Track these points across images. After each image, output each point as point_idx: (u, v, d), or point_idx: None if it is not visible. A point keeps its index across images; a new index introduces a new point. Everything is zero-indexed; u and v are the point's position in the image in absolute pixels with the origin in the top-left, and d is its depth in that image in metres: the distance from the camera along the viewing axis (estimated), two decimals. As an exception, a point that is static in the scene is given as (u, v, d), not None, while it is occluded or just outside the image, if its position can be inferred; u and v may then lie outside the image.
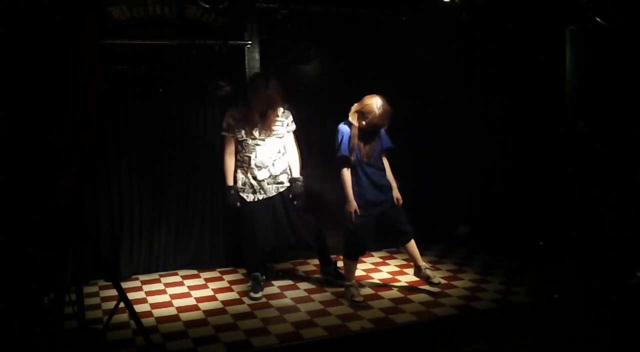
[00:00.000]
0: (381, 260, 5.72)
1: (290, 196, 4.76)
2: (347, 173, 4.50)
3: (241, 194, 4.74)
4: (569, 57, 4.62)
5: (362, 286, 4.94)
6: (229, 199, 4.74)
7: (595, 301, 4.21)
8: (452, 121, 6.03)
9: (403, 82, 5.70)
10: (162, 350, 3.74)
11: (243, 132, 4.65)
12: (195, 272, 5.40)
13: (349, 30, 5.37)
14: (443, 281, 4.85)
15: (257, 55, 5.28)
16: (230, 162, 4.73)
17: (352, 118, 4.51)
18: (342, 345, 3.99)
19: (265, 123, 4.62)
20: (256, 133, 4.65)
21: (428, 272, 4.76)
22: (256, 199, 4.72)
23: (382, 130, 4.58)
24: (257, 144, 4.68)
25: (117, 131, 5.08)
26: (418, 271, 4.82)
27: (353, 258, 4.67)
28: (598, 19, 4.48)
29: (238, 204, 4.72)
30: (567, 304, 4.35)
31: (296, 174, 4.81)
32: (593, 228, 4.64)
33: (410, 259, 4.87)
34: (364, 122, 4.45)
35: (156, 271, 5.36)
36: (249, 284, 4.83)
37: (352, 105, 4.57)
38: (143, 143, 5.17)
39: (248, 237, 4.80)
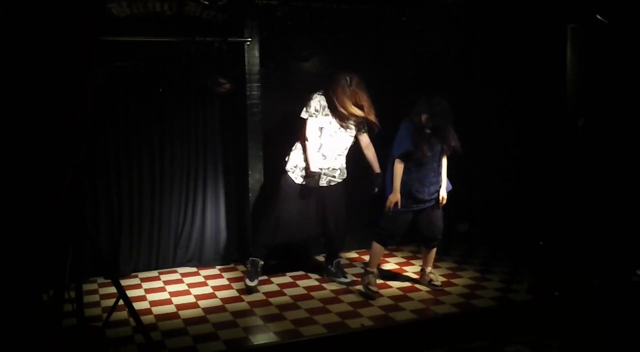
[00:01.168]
0: (382, 258, 5.70)
1: (376, 189, 4.77)
2: (399, 165, 4.52)
3: (290, 174, 4.74)
4: (570, 54, 4.61)
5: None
6: (309, 183, 4.66)
7: (595, 298, 4.20)
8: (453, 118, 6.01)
9: (404, 79, 5.69)
10: (161, 347, 3.74)
11: (326, 120, 4.64)
12: (194, 269, 5.39)
13: (349, 27, 5.36)
14: (443, 279, 4.88)
15: (257, 52, 5.26)
16: (315, 146, 4.66)
17: (413, 115, 4.52)
18: (342, 343, 3.98)
19: (350, 116, 4.62)
20: (336, 124, 4.66)
21: (431, 275, 4.85)
22: (304, 183, 4.72)
23: (451, 130, 4.58)
24: (331, 135, 4.68)
25: (116, 128, 5.07)
26: (423, 273, 4.91)
27: (382, 243, 4.71)
28: (599, 17, 4.47)
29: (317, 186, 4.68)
30: (567, 302, 4.35)
31: (377, 169, 4.84)
32: (593, 226, 4.63)
33: (423, 262, 4.94)
34: (422, 120, 4.46)
35: (156, 268, 5.35)
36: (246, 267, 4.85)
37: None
38: (143, 140, 5.16)
39: (269, 221, 4.80)
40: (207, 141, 5.36)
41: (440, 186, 4.66)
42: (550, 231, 4.94)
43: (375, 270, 4.72)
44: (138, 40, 4.86)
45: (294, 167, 4.76)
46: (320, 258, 5.67)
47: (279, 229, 4.76)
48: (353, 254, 5.75)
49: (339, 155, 4.79)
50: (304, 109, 4.68)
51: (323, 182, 4.76)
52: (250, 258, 4.87)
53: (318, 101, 4.67)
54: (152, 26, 4.94)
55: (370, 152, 4.87)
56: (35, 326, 2.95)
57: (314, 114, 4.65)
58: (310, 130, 4.66)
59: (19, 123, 2.72)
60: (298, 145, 4.78)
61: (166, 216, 5.31)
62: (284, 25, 5.15)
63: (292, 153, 4.80)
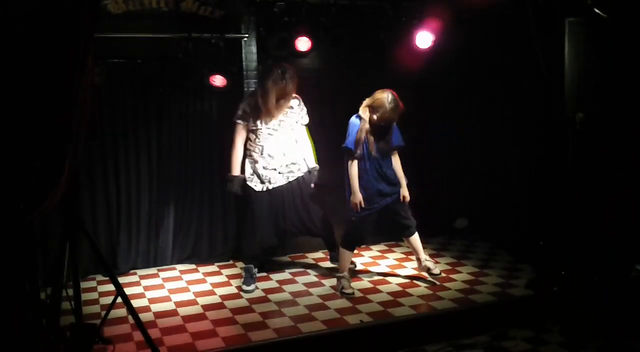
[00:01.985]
0: (380, 254, 5.71)
1: (312, 185, 4.78)
2: (353, 165, 4.51)
3: (249, 183, 4.74)
4: (568, 49, 4.59)
5: (359, 278, 4.94)
6: (230, 187, 4.73)
7: (595, 294, 4.20)
8: (450, 114, 6.01)
9: (402, 75, 5.67)
10: (160, 345, 3.73)
11: (258, 121, 4.65)
12: (193, 266, 5.39)
13: (347, 23, 5.33)
14: (442, 274, 4.87)
15: (254, 48, 5.25)
16: (240, 150, 4.72)
17: (363, 112, 4.52)
18: (341, 339, 3.98)
19: (279, 112, 4.62)
20: (270, 122, 4.66)
21: (428, 264, 4.82)
22: (264, 189, 4.73)
23: (395, 127, 4.58)
24: (270, 134, 4.69)
25: (114, 125, 5.06)
26: (419, 263, 4.88)
27: (350, 248, 4.70)
28: (597, 11, 4.45)
29: (238, 192, 4.71)
30: (566, 297, 4.35)
31: (312, 164, 4.84)
32: (592, 221, 4.63)
33: (413, 251, 4.91)
34: (374, 117, 4.46)
35: (154, 265, 5.35)
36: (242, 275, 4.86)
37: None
38: (140, 137, 5.14)
39: (249, 229, 4.83)
40: (204, 137, 5.35)
41: (397, 181, 4.65)
42: (549, 227, 4.93)
43: (346, 273, 4.70)
44: (134, 37, 4.84)
45: (251, 175, 4.76)
46: (319, 254, 5.67)
47: (257, 236, 4.77)
48: (319, 254, 5.70)
49: (286, 151, 4.75)
50: (235, 113, 4.71)
51: (282, 179, 4.75)
52: (244, 266, 4.88)
53: (246, 104, 4.68)
54: (149, 23, 4.92)
55: (304, 144, 4.85)
56: (33, 323, 2.94)
57: (242, 117, 4.67)
58: (238, 134, 4.69)
59: (15, 119, 2.71)
60: (247, 153, 4.78)
61: (165, 213, 5.31)
62: (281, 21, 5.13)
63: (245, 161, 4.79)
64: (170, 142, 5.24)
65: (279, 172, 4.75)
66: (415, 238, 4.82)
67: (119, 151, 5.10)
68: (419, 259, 4.87)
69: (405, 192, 4.65)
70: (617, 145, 4.64)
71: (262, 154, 4.71)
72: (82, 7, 2.80)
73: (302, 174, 4.84)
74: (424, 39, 5.32)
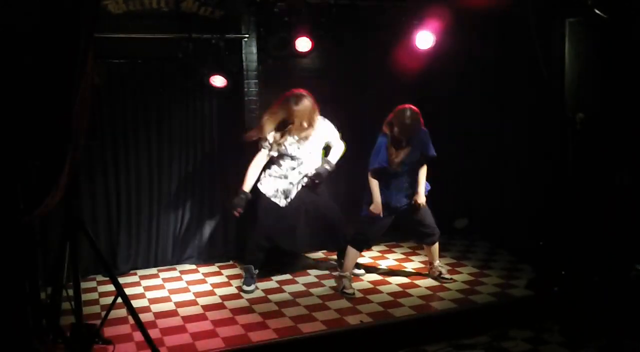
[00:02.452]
0: (380, 254, 5.71)
1: (313, 173, 4.79)
2: (374, 181, 4.58)
3: (273, 199, 4.78)
4: (568, 49, 4.59)
5: (359, 278, 4.94)
6: (234, 202, 4.74)
7: (595, 294, 4.20)
8: (450, 114, 6.00)
9: (402, 76, 5.67)
10: (160, 345, 3.73)
11: (281, 143, 4.68)
12: (193, 267, 5.39)
13: (348, 23, 5.33)
14: (453, 278, 4.89)
15: (254, 49, 5.25)
16: (257, 170, 4.76)
17: (385, 128, 4.56)
18: (341, 339, 3.98)
19: (301, 137, 4.69)
20: (299, 149, 4.71)
21: (440, 268, 4.92)
22: (287, 204, 4.80)
23: (426, 137, 4.64)
24: (302, 163, 4.76)
25: (114, 125, 5.05)
26: (430, 267, 4.97)
27: (358, 248, 4.73)
28: (597, 11, 4.45)
29: (240, 210, 4.74)
30: (566, 297, 4.34)
31: (331, 158, 4.86)
32: (592, 221, 4.63)
33: (428, 257, 5.00)
34: (395, 132, 4.49)
35: (155, 265, 5.35)
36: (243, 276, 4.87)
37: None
38: (141, 137, 5.14)
39: (256, 228, 4.83)
40: (205, 138, 5.35)
41: (415, 191, 4.70)
42: (549, 226, 4.93)
43: (348, 273, 4.72)
44: (134, 37, 4.84)
45: (275, 192, 4.79)
46: (320, 254, 5.67)
47: (261, 237, 4.81)
48: (320, 255, 5.69)
49: (300, 165, 4.78)
50: (261, 141, 4.75)
51: (295, 190, 4.81)
52: (245, 265, 4.89)
53: (273, 135, 4.69)
54: (149, 23, 4.92)
55: (335, 146, 4.87)
56: (33, 324, 2.94)
57: (266, 146, 4.72)
58: (260, 156, 4.75)
59: (13, 121, 2.71)
60: (267, 171, 4.81)
61: (165, 213, 5.31)
62: (281, 21, 5.13)
63: (266, 179, 4.82)
64: (170, 142, 5.24)
65: (295, 187, 4.82)
66: (435, 246, 4.90)
67: (119, 151, 5.10)
68: (431, 263, 4.95)
69: (419, 199, 4.70)
70: (617, 145, 4.64)
71: (294, 171, 4.77)
72: (82, 7, 2.80)
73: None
74: (424, 39, 5.31)
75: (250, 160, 4.91)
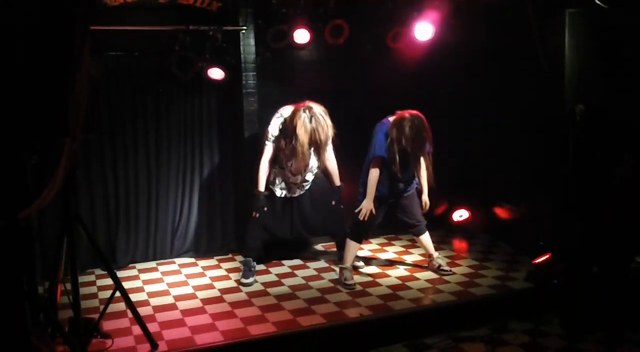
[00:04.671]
0: (380, 247, 5.70)
1: (333, 202, 4.91)
2: (375, 173, 4.51)
3: (271, 187, 4.81)
4: (568, 40, 4.56)
5: (359, 271, 4.93)
6: (257, 206, 4.76)
7: (594, 286, 4.20)
8: (450, 106, 5.98)
9: (401, 67, 5.64)
10: (159, 339, 3.72)
11: (287, 142, 4.61)
12: (192, 260, 5.38)
13: (346, 14, 5.30)
14: (453, 271, 4.88)
15: (252, 41, 5.21)
16: (266, 168, 4.72)
17: (390, 130, 4.43)
18: (341, 332, 3.97)
19: (313, 155, 4.69)
20: (302, 161, 4.63)
21: (439, 261, 4.89)
22: (283, 195, 4.84)
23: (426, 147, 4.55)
24: (296, 156, 4.66)
25: (111, 118, 5.03)
26: (429, 260, 4.94)
27: (357, 239, 4.73)
28: (597, 2, 4.42)
29: (265, 208, 4.76)
30: (565, 289, 4.34)
31: (337, 183, 4.93)
32: (592, 213, 4.62)
33: (423, 248, 4.99)
34: (398, 141, 4.37)
35: (153, 259, 5.33)
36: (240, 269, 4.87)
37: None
38: (138, 130, 5.12)
39: (254, 222, 4.82)
40: (203, 131, 5.32)
41: (412, 183, 4.72)
42: (549, 219, 4.92)
43: (349, 265, 4.72)
44: (131, 30, 4.80)
45: (274, 179, 4.80)
46: (319, 247, 5.67)
47: (259, 230, 4.84)
48: (319, 248, 5.69)
49: (310, 167, 4.80)
50: (266, 133, 4.71)
51: (297, 192, 4.86)
52: (243, 259, 4.89)
53: (277, 127, 4.65)
54: (146, 15, 4.89)
55: (330, 161, 4.87)
56: (30, 318, 2.93)
57: (270, 139, 4.67)
58: (266, 152, 4.69)
59: (9, 116, 2.68)
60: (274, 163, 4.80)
61: (163, 206, 5.29)
62: (279, 13, 5.09)
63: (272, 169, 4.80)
64: (168, 134, 5.21)
65: (298, 187, 4.85)
66: (425, 237, 4.89)
67: (117, 144, 5.07)
68: (430, 256, 4.93)
69: (425, 198, 4.77)
70: (617, 137, 4.62)
71: (290, 167, 4.75)
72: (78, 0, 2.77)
73: (313, 181, 4.91)
74: (423, 31, 5.28)
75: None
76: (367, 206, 4.55)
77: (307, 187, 4.90)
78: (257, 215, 4.76)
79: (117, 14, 4.77)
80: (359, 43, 5.53)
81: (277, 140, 4.66)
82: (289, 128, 4.53)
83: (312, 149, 4.59)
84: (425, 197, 4.84)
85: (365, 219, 4.57)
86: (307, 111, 4.45)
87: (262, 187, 4.73)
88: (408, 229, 4.94)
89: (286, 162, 4.72)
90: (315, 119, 4.43)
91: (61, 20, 2.76)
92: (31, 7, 2.72)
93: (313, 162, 4.83)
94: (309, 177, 4.89)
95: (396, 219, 4.89)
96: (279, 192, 4.83)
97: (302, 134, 4.42)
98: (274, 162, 4.76)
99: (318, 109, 4.47)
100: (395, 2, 5.35)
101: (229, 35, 5.09)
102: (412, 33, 5.36)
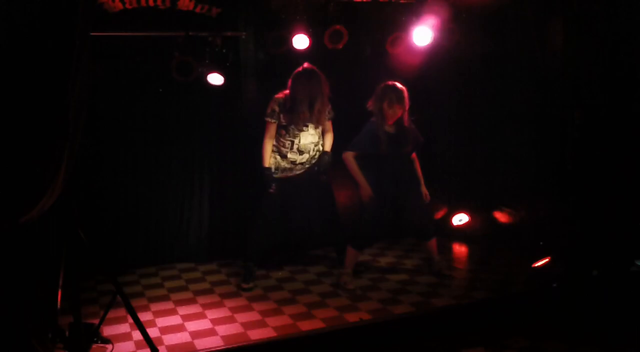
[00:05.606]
0: (379, 251, 5.70)
1: (316, 168, 4.82)
2: (349, 157, 4.57)
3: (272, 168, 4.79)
4: (566, 41, 4.58)
5: (359, 276, 4.93)
6: (266, 182, 4.74)
7: (594, 289, 4.20)
8: (449, 109, 5.99)
9: (400, 72, 5.65)
10: (159, 344, 3.72)
11: (288, 119, 4.64)
12: (192, 265, 5.38)
13: (345, 19, 5.32)
14: (453, 275, 4.89)
15: (252, 46, 5.23)
16: (270, 145, 4.74)
17: (371, 105, 4.54)
18: (341, 337, 3.97)
19: (313, 115, 4.65)
20: (302, 121, 4.65)
21: (440, 265, 4.90)
22: (284, 176, 4.78)
23: (412, 125, 4.60)
24: (302, 130, 4.69)
25: (112, 124, 5.04)
26: (431, 263, 4.95)
27: (359, 249, 4.72)
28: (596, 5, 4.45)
29: (274, 185, 4.73)
30: (565, 293, 4.34)
31: (327, 148, 4.88)
32: (592, 216, 4.62)
33: (426, 253, 5.00)
34: (384, 108, 4.45)
35: (154, 264, 5.33)
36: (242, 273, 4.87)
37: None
38: (139, 135, 5.13)
39: (256, 226, 4.83)
40: (203, 136, 5.33)
41: (414, 182, 4.71)
42: (549, 222, 4.92)
43: (350, 270, 4.73)
44: (131, 35, 4.82)
45: (275, 167, 4.79)
46: (319, 252, 5.66)
47: (262, 235, 4.82)
48: (319, 252, 5.68)
49: (315, 145, 4.79)
50: (267, 110, 4.71)
51: (302, 169, 4.80)
52: (245, 262, 4.88)
53: (275, 102, 4.67)
54: (145, 21, 4.90)
55: (326, 134, 4.88)
56: (30, 323, 2.93)
57: (271, 115, 4.67)
58: (268, 130, 4.70)
59: (9, 120, 2.69)
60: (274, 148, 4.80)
61: (164, 211, 5.30)
62: (278, 18, 5.11)
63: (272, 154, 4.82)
64: (169, 139, 5.23)
65: (304, 166, 4.80)
66: (432, 242, 4.86)
67: (117, 149, 5.09)
68: (431, 260, 4.93)
69: (424, 190, 4.76)
70: (617, 139, 4.64)
71: (292, 148, 4.73)
72: (78, 5, 2.78)
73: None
74: (422, 35, 5.30)
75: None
76: (364, 193, 4.54)
77: (308, 166, 4.81)
78: (273, 190, 4.71)
79: (117, 20, 4.79)
80: (359, 48, 5.55)
81: (277, 116, 4.66)
82: (288, 89, 4.61)
83: (309, 107, 4.58)
84: (423, 188, 4.80)
85: (367, 198, 4.53)
86: (301, 68, 4.59)
87: (267, 162, 4.74)
88: (417, 235, 4.92)
89: (288, 139, 4.69)
90: (309, 71, 4.57)
91: (62, 27, 2.78)
92: (32, 12, 2.73)
93: (313, 139, 4.77)
94: (306, 158, 4.80)
95: (396, 223, 4.87)
96: (279, 174, 4.78)
97: (298, 87, 4.54)
98: (274, 149, 4.75)
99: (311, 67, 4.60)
100: (394, 7, 5.37)
101: (228, 41, 5.11)
102: (411, 38, 5.38)
